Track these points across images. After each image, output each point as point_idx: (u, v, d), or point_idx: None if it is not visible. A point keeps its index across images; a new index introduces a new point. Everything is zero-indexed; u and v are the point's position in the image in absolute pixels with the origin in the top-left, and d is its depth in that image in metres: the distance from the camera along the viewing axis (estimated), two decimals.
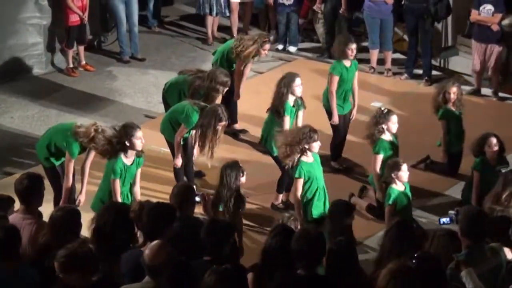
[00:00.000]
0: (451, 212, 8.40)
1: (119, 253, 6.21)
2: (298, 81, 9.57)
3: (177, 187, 7.36)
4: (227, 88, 10.07)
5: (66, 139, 8.55)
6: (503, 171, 8.84)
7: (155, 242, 5.76)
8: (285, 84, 9.56)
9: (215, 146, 9.24)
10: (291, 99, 9.57)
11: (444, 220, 7.96)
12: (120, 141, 8.37)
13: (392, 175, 8.59)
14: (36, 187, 6.94)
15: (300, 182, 8.57)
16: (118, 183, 8.37)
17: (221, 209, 7.98)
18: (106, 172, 8.56)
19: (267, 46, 10.92)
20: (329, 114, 10.38)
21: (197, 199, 7.55)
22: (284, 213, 8.16)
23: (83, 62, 13.58)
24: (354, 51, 10.28)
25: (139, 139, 8.42)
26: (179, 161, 9.48)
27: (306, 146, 8.56)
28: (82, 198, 8.80)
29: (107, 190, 8.48)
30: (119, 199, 8.30)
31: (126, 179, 8.44)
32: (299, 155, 8.56)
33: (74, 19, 13.06)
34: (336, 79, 10.19)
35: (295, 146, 8.56)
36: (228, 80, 9.98)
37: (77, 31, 13.16)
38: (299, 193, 8.59)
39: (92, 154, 8.72)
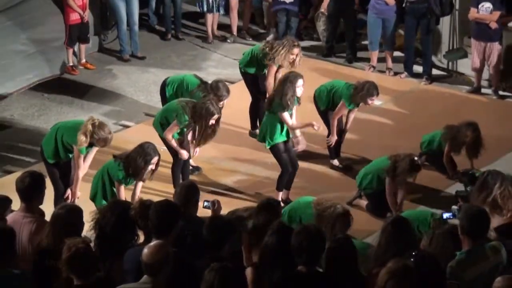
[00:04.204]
0: (454, 207, 8.38)
1: (120, 252, 6.22)
2: (300, 82, 9.59)
3: (181, 186, 7.37)
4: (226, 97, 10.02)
5: (75, 136, 8.70)
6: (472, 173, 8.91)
7: (154, 241, 5.78)
8: (288, 84, 9.55)
9: (207, 139, 9.46)
10: None
11: (447, 215, 7.93)
12: (134, 166, 8.53)
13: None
14: (38, 186, 6.93)
15: None
16: (123, 188, 8.61)
17: None
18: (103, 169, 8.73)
19: (296, 50, 10.77)
20: (320, 111, 10.44)
21: (207, 204, 7.55)
22: None
23: (83, 61, 13.58)
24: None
25: (152, 164, 8.63)
26: (184, 154, 9.54)
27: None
28: (77, 193, 8.98)
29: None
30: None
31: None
32: None
33: (74, 17, 13.04)
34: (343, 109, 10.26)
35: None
36: (226, 95, 9.98)
37: (77, 29, 13.16)
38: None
39: (94, 151, 8.86)
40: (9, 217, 6.85)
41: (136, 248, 6.22)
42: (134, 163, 8.52)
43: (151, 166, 8.61)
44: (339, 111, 10.22)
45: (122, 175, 8.55)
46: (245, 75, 11.22)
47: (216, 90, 9.89)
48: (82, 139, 8.65)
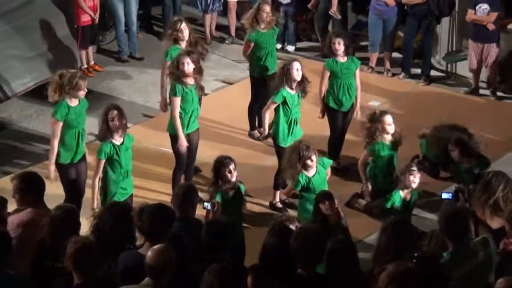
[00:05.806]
0: (453, 187, 8.39)
1: (117, 253, 6.23)
2: (296, 64, 9.46)
3: (179, 187, 7.37)
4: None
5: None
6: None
7: (158, 244, 5.80)
8: (283, 71, 9.50)
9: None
10: (291, 87, 9.44)
11: (446, 195, 7.89)
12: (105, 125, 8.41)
13: (402, 179, 8.68)
14: (38, 184, 7.02)
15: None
16: (101, 164, 8.36)
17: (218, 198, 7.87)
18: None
19: (266, 7, 10.90)
20: (328, 109, 10.38)
21: (207, 205, 7.54)
22: (279, 214, 8.19)
23: (92, 62, 13.52)
24: (339, 46, 10.21)
25: (112, 120, 8.39)
26: (183, 142, 9.32)
27: (304, 163, 8.51)
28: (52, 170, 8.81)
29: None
30: (96, 180, 8.38)
31: (122, 160, 8.41)
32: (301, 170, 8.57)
33: (85, 19, 12.99)
34: (325, 73, 10.26)
35: (295, 167, 8.55)
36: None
37: (89, 31, 13.11)
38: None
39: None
40: (23, 216, 6.88)
41: (130, 251, 6.25)
42: (99, 130, 8.45)
43: (114, 123, 8.34)
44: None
45: (100, 148, 8.38)
46: (250, 77, 11.29)
47: (174, 25, 10.27)
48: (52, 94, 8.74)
